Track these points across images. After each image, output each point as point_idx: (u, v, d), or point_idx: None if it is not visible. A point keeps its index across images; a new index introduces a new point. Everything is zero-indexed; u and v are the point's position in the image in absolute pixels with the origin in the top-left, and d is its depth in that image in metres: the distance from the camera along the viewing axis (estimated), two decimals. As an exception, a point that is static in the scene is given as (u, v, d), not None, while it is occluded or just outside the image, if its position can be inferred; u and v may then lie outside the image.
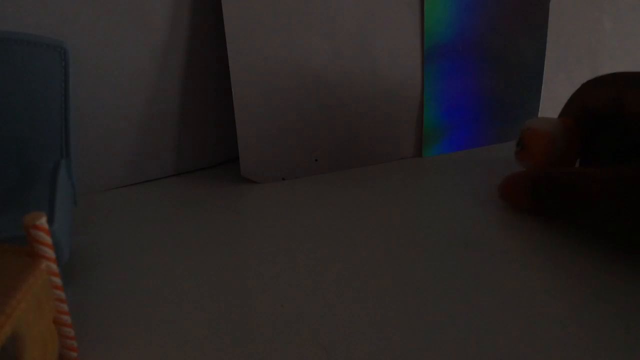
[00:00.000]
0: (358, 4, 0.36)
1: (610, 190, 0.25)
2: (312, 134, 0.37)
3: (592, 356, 0.21)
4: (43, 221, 0.18)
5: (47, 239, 0.18)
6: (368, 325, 0.23)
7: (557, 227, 0.31)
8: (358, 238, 0.30)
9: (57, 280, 0.19)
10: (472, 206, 0.34)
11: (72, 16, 0.31)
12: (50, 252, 0.18)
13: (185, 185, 0.37)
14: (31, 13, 0.30)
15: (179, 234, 0.30)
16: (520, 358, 0.21)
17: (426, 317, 0.23)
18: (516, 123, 0.43)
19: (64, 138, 0.27)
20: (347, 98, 0.38)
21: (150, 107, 0.36)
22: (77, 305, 0.24)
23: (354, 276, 0.26)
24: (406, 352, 0.21)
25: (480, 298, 0.24)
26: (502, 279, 0.26)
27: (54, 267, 0.19)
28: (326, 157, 0.38)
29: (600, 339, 0.22)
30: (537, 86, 0.44)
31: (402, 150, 0.41)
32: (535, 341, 0.22)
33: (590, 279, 0.26)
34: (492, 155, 0.41)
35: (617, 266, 0.27)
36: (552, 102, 0.37)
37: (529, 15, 0.42)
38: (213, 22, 0.35)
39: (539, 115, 0.44)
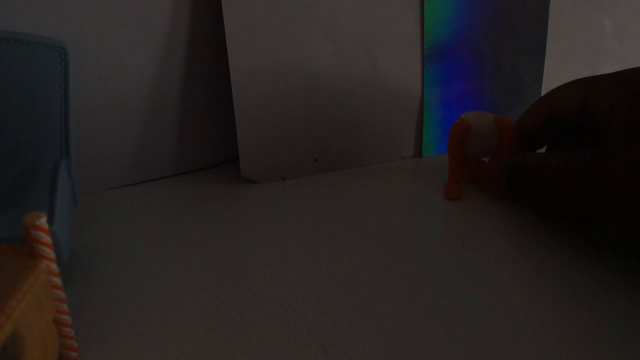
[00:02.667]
0: (358, 4, 0.36)
1: (559, 174, 0.28)
2: (312, 134, 0.37)
3: (593, 354, 0.21)
4: (43, 221, 0.18)
5: (47, 239, 0.18)
6: (368, 325, 0.23)
7: (558, 227, 0.31)
8: (358, 238, 0.30)
9: (57, 280, 0.19)
10: (472, 206, 0.34)
11: (72, 16, 0.31)
12: (50, 252, 0.18)
13: (186, 185, 0.37)
14: (31, 13, 0.30)
15: (179, 234, 0.30)
16: (521, 357, 0.21)
17: (426, 317, 0.23)
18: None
19: (64, 138, 0.27)
20: (347, 98, 0.38)
21: (150, 107, 0.36)
22: (77, 305, 0.24)
23: (354, 276, 0.26)
24: (406, 351, 0.21)
25: (480, 298, 0.24)
26: (502, 279, 0.26)
27: (54, 267, 0.19)
28: (326, 157, 0.38)
29: (601, 337, 0.22)
30: (537, 86, 0.44)
31: (402, 150, 0.41)
32: (535, 341, 0.22)
33: (592, 279, 0.26)
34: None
35: (620, 268, 0.27)
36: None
37: (529, 15, 0.42)
38: (213, 22, 0.35)
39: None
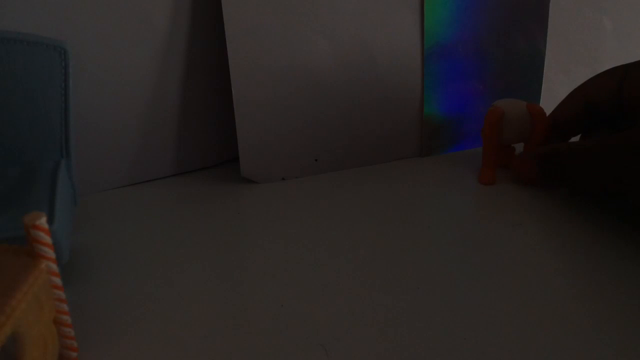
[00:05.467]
0: (358, 4, 0.36)
1: (593, 157, 0.29)
2: (312, 134, 0.37)
3: (593, 356, 0.21)
4: (43, 221, 0.18)
5: (47, 239, 0.18)
6: (368, 325, 0.23)
7: (559, 227, 0.31)
8: (358, 238, 0.30)
9: (57, 280, 0.19)
10: (472, 206, 0.34)
11: (72, 16, 0.31)
12: (50, 252, 0.18)
13: (186, 185, 0.37)
14: (31, 13, 0.30)
15: (179, 234, 0.30)
16: (521, 357, 0.21)
17: (426, 317, 0.23)
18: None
19: (64, 138, 0.27)
20: (347, 98, 0.38)
21: (150, 107, 0.36)
22: (77, 305, 0.24)
23: (354, 276, 0.26)
24: (406, 351, 0.21)
25: (481, 298, 0.24)
26: (502, 279, 0.26)
27: (54, 267, 0.19)
28: (326, 157, 0.38)
29: (601, 337, 0.22)
30: (537, 86, 0.44)
31: (402, 150, 0.41)
32: (537, 340, 0.22)
33: (593, 276, 0.26)
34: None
35: (624, 268, 0.27)
36: (552, 102, 0.37)
37: (529, 15, 0.42)
38: (213, 22, 0.35)
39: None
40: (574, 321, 0.23)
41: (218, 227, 0.31)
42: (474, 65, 0.41)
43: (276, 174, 0.37)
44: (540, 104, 0.43)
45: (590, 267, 0.27)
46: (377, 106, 0.39)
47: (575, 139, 0.36)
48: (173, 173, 0.38)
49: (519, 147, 0.38)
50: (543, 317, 0.23)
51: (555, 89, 0.45)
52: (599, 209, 0.32)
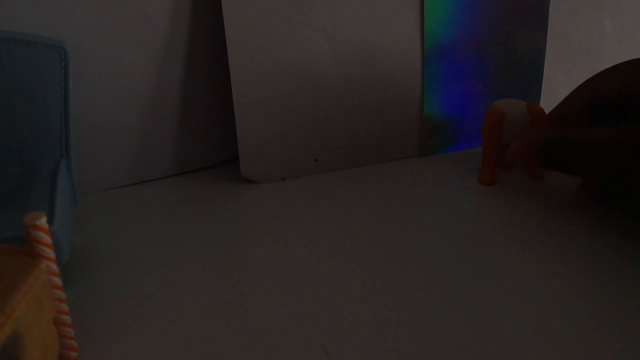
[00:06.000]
0: (358, 3, 0.36)
1: (594, 154, 0.29)
2: (312, 134, 0.37)
3: (593, 356, 0.21)
4: (43, 221, 0.18)
5: (47, 239, 0.18)
6: (368, 324, 0.23)
7: (558, 226, 0.31)
8: (358, 238, 0.30)
9: (57, 280, 0.19)
10: (472, 206, 0.34)
11: (72, 16, 0.31)
12: (50, 252, 0.18)
13: (186, 185, 0.37)
14: (31, 13, 0.30)
15: (178, 233, 0.30)
16: (521, 357, 0.21)
17: (426, 317, 0.23)
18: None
19: (64, 138, 0.27)
20: (347, 98, 0.38)
21: (150, 107, 0.36)
22: (77, 305, 0.24)
23: (354, 276, 0.26)
24: (407, 351, 0.21)
25: (481, 297, 0.24)
26: (502, 278, 0.26)
27: (54, 267, 0.19)
28: (326, 157, 0.38)
29: (599, 337, 0.22)
30: (537, 86, 0.44)
31: (403, 150, 0.41)
32: (537, 340, 0.22)
33: (592, 276, 0.26)
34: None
35: (621, 267, 0.27)
36: (552, 102, 0.37)
37: (529, 15, 0.42)
38: (213, 22, 0.35)
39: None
40: (574, 321, 0.23)
41: (218, 227, 0.31)
42: (474, 65, 0.41)
43: (276, 174, 0.37)
44: (540, 104, 0.43)
45: (590, 267, 0.27)
46: (377, 106, 0.39)
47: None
48: (173, 173, 0.38)
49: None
50: (543, 317, 0.23)
51: (555, 89, 0.45)
52: (599, 209, 0.32)
